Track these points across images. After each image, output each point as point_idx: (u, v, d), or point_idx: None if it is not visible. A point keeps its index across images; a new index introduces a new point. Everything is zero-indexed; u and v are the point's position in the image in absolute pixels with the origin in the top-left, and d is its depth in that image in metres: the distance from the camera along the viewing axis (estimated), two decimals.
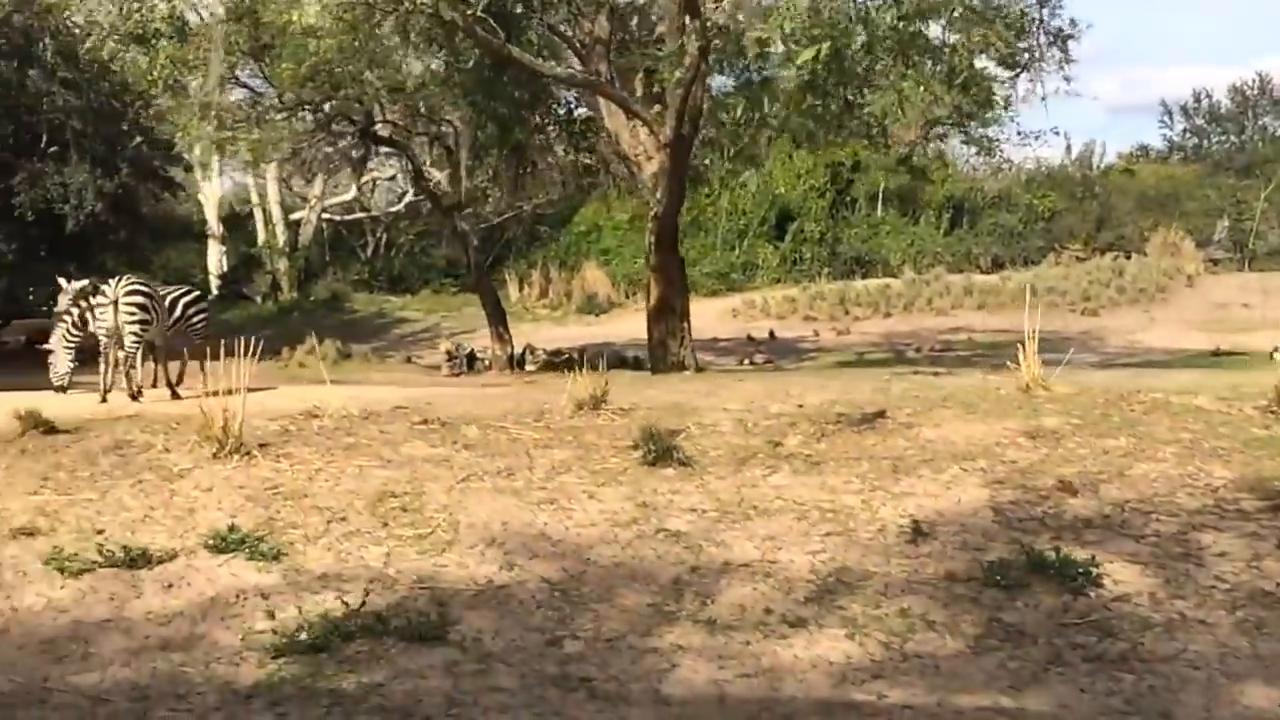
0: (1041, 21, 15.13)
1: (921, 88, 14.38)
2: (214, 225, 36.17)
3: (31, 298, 36.39)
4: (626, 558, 6.57)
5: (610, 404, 9.93)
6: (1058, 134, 35.98)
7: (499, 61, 14.22)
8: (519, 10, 13.92)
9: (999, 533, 6.64)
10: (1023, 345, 10.35)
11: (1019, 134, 24.74)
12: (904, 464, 7.90)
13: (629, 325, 34.81)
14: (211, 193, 35.53)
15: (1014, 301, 33.25)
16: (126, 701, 5.02)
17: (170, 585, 6.34)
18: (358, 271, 40.10)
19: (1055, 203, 41.05)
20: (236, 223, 39.49)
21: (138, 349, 12.99)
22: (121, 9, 11.13)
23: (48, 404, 12.51)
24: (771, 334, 30.53)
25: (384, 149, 23.33)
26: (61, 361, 14.21)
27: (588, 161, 25.25)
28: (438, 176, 29.88)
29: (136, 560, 6.53)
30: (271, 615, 5.81)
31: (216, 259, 36.90)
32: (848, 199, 39.78)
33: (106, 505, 7.54)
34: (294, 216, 37.90)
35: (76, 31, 24.30)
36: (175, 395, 13.46)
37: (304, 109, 19.87)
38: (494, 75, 15.60)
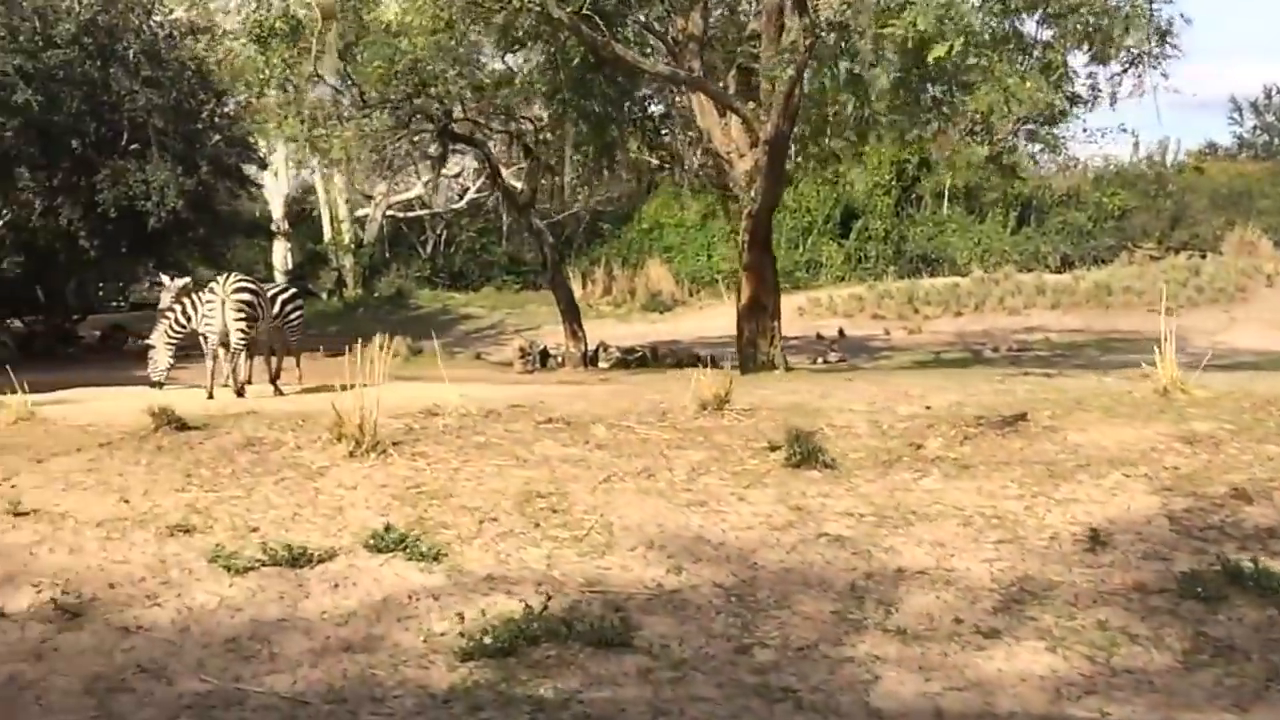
0: (1150, 16, 14.85)
1: (1029, 84, 14.14)
2: (279, 222, 36.41)
3: (102, 293, 37.00)
4: (794, 563, 6.44)
5: (733, 404, 9.81)
6: (1125, 130, 35.32)
7: (599, 59, 14.13)
8: (616, 7, 13.77)
9: (1179, 542, 6.45)
10: (1159, 346, 10.09)
11: (1084, 130, 24.43)
12: (1059, 469, 7.71)
13: (694, 323, 34.73)
14: (277, 189, 35.74)
15: (1088, 301, 32.87)
16: (324, 704, 4.96)
17: (336, 585, 6.28)
18: (419, 268, 40.24)
19: (1125, 201, 40.39)
20: (298, 219, 39.76)
21: (244, 346, 13.06)
22: (241, 11, 11.08)
23: (154, 400, 12.65)
24: (841, 332, 30.26)
25: (460, 146, 23.39)
26: (162, 358, 14.34)
27: (655, 159, 25.20)
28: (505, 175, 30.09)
29: (299, 559, 6.48)
30: (457, 618, 5.73)
31: (282, 255, 37.11)
32: (913, 196, 39.41)
33: (254, 503, 7.51)
34: (359, 214, 38.10)
35: (159, 31, 24.58)
36: (278, 391, 13.54)
37: (384, 107, 19.92)
38: (588, 73, 15.51)
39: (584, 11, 12.52)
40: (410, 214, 39.51)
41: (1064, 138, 20.81)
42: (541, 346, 25.14)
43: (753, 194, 15.33)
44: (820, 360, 25.20)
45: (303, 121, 16.79)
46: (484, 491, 7.66)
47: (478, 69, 19.58)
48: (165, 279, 15.58)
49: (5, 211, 25.30)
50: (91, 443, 8.96)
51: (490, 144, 23.08)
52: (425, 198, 38.29)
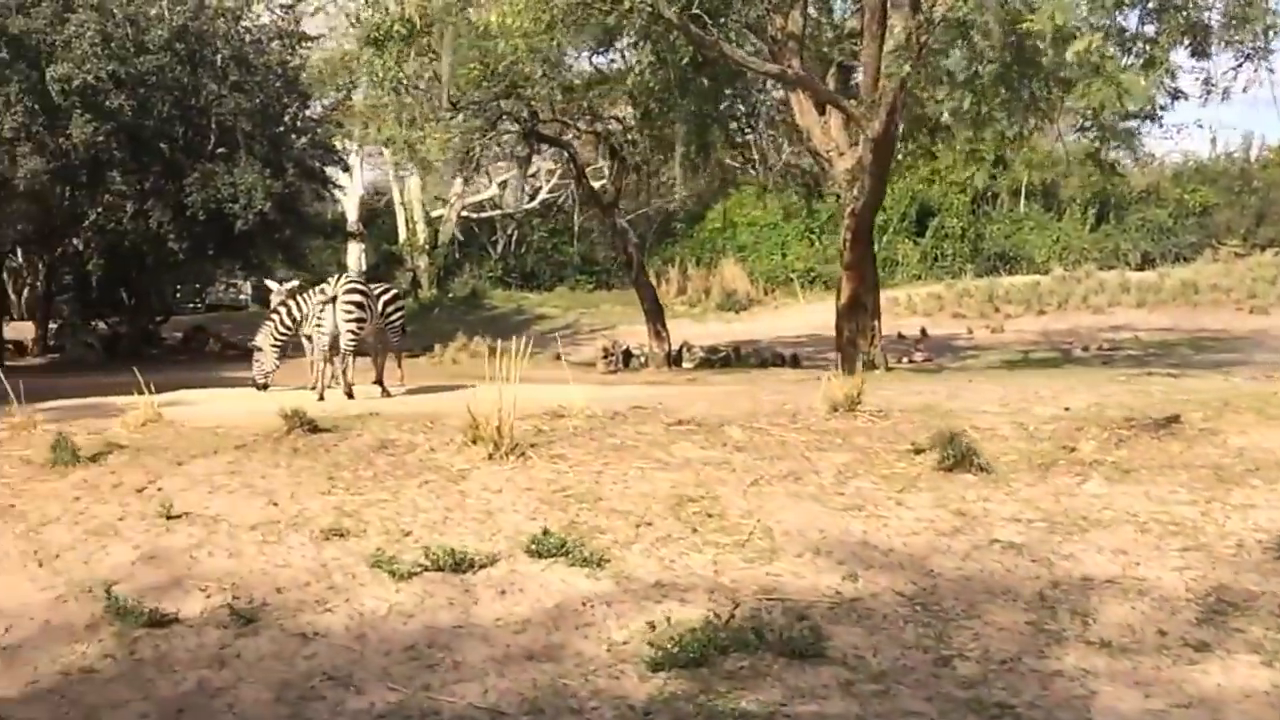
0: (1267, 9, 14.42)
1: (1142, 79, 13.78)
2: (354, 223, 36.68)
3: (178, 295, 37.50)
4: (973, 570, 6.22)
5: (864, 406, 9.59)
6: (1202, 127, 34.55)
7: (703, 59, 13.96)
8: (719, 6, 13.58)
9: None
10: None
11: (1160, 127, 23.86)
12: (1227, 474, 7.41)
13: (770, 323, 34.47)
14: (352, 191, 35.99)
15: (1175, 299, 32.15)
16: (521, 715, 4.83)
17: (503, 591, 6.16)
18: (490, 269, 40.37)
19: (1207, 197, 39.50)
20: (368, 221, 40.06)
21: (354, 348, 13.05)
22: (359, 15, 11.05)
23: (261, 402, 12.68)
24: (923, 331, 29.83)
25: (544, 147, 23.39)
26: (268, 360, 14.37)
27: (738, 158, 24.99)
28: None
29: (461, 564, 6.37)
30: (639, 626, 5.58)
31: (356, 257, 37.36)
32: (989, 194, 38.83)
33: (402, 506, 7.43)
34: (433, 214, 38.23)
35: (247, 36, 24.78)
36: (385, 393, 13.50)
37: (472, 109, 19.91)
38: (691, 73, 15.35)
39: (693, 11, 12.34)
40: (482, 215, 39.61)
41: (1142, 134, 20.43)
42: (624, 347, 25.04)
43: (855, 192, 15.11)
44: (905, 360, 24.79)
45: (402, 124, 16.75)
46: (632, 495, 7.51)
47: (567, 70, 19.53)
48: (273, 283, 15.63)
49: (91, 214, 25.68)
50: (226, 445, 8.93)
51: (574, 145, 23.06)
52: (498, 198, 38.39)
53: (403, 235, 37.77)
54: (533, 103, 20.32)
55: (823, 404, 9.61)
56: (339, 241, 35.45)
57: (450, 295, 36.39)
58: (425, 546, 6.55)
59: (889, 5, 14.16)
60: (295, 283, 15.70)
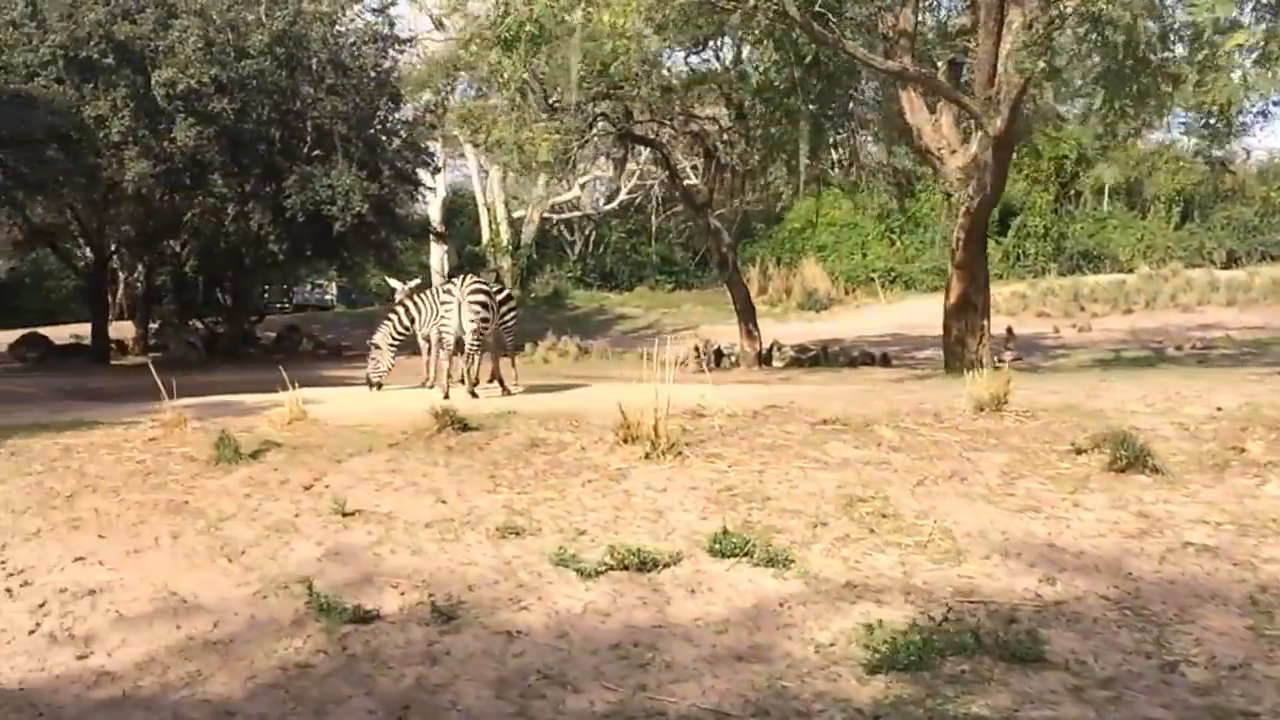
0: None
1: (1271, 74, 13.41)
2: (437, 224, 36.93)
3: (266, 295, 37.98)
4: (1173, 573, 6.04)
5: (1010, 406, 9.41)
6: None
7: (816, 59, 13.81)
8: (835, 5, 13.43)
9: None
10: None
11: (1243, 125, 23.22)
12: None
13: (853, 322, 34.22)
14: (436, 192, 36.25)
15: (1266, 298, 31.41)
16: (749, 717, 4.75)
17: (693, 591, 6.09)
18: (569, 269, 40.50)
19: None
20: (448, 221, 40.32)
21: (479, 348, 13.08)
22: (493, 16, 11.05)
23: (387, 401, 12.75)
24: (1010, 331, 29.30)
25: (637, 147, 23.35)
26: (384, 359, 14.46)
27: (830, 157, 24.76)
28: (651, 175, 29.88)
29: (646, 563, 6.32)
30: (844, 628, 5.48)
31: (439, 257, 37.62)
32: (1072, 193, 38.22)
33: (570, 505, 7.39)
34: (515, 215, 38.43)
35: (343, 40, 25.00)
36: (506, 391, 13.52)
37: (569, 110, 19.89)
38: (806, 73, 15.21)
39: (815, 9, 12.21)
40: (563, 216, 39.75)
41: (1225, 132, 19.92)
42: (715, 346, 24.94)
43: (970, 190, 14.86)
44: (995, 359, 24.38)
45: (513, 125, 16.78)
46: (800, 495, 7.41)
47: (665, 71, 19.48)
48: (395, 281, 15.74)
49: (193, 216, 26.07)
50: (379, 443, 8.97)
51: (667, 145, 22.99)
52: (578, 200, 38.51)
53: (485, 236, 37.96)
54: (629, 104, 20.31)
55: (968, 403, 9.44)
56: (422, 242, 35.71)
57: (533, 295, 36.55)
58: (609, 545, 6.49)
59: (1007, 1, 13.90)
60: (416, 281, 15.80)
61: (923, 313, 34.81)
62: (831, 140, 21.85)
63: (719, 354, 24.75)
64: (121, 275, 31.29)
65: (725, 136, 20.76)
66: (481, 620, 5.78)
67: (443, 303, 12.99)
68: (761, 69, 12.14)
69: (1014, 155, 34.53)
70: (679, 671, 5.22)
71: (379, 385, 14.49)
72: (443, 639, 5.56)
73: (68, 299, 38.89)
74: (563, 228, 41.49)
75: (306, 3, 24.62)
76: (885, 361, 24.86)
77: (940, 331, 31.92)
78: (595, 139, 21.72)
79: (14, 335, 28.87)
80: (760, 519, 7.04)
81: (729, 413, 9.75)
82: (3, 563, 6.62)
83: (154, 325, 29.78)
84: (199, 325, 30.30)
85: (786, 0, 11.91)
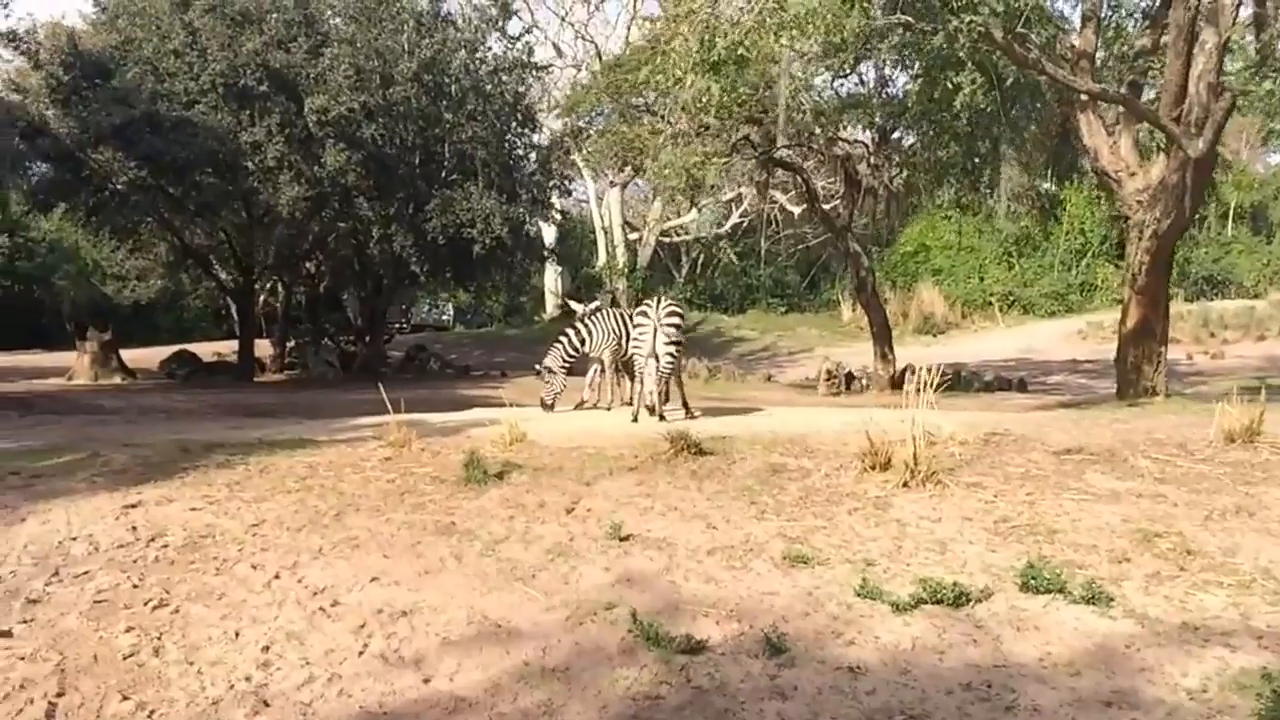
0: None
1: None
2: (552, 245, 37.07)
3: (385, 315, 38.30)
4: None
5: (1264, 436, 8.98)
6: None
7: (990, 83, 13.48)
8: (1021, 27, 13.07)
9: None
10: None
11: None
12: None
13: (971, 346, 33.61)
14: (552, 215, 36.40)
15: None
16: None
17: (1019, 628, 5.79)
18: (679, 291, 40.35)
19: None
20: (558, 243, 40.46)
21: (672, 370, 12.92)
22: (702, 40, 10.95)
23: (578, 422, 12.61)
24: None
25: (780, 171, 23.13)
26: (557, 381, 14.36)
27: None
28: (777, 198, 29.65)
29: (960, 598, 6.04)
30: (1207, 673, 5.15)
31: (553, 279, 37.74)
32: (1195, 217, 37.13)
33: (845, 535, 7.14)
34: (631, 238, 38.44)
35: (484, 67, 25.18)
36: (690, 414, 13.31)
37: (709, 134, 19.74)
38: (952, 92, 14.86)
39: (1017, 30, 11.90)
40: (677, 238, 39.67)
41: None
42: (847, 369, 24.58)
43: (1158, 213, 14.38)
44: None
45: (679, 151, 16.66)
46: (1084, 529, 7.08)
47: (819, 96, 19.27)
48: (575, 304, 15.67)
49: (335, 239, 26.40)
50: (616, 466, 8.83)
51: (807, 169, 22.76)
52: (695, 223, 38.41)
53: (602, 258, 38.00)
54: (772, 127, 20.11)
55: (1218, 435, 9.03)
56: (536, 264, 35.89)
57: None
58: (918, 578, 6.23)
59: (1199, 20, 13.45)
60: (596, 304, 15.71)
61: (1044, 337, 34.17)
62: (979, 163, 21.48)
63: (849, 377, 24.39)
64: (262, 295, 31.83)
65: (872, 159, 20.43)
66: (811, 654, 5.54)
67: (637, 325, 12.84)
68: (968, 92, 11.79)
69: None
70: (1049, 716, 4.93)
71: (550, 406, 14.39)
72: (782, 673, 5.34)
73: (199, 318, 39.82)
74: (668, 250, 41.38)
75: (450, 30, 24.88)
76: (1022, 387, 24.29)
77: (1064, 356, 31.23)
78: (738, 163, 21.51)
79: (151, 352, 29.53)
80: (1053, 553, 6.72)
81: (960, 439, 9.45)
82: (300, 580, 6.55)
83: (289, 344, 30.20)
84: (331, 344, 30.67)
85: (991, 22, 11.62)
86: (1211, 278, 35.99)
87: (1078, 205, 34.80)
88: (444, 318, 40.62)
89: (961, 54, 11.65)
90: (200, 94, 23.09)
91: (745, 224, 39.01)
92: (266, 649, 5.67)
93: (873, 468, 8.38)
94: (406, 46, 24.11)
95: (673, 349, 12.60)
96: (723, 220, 39.66)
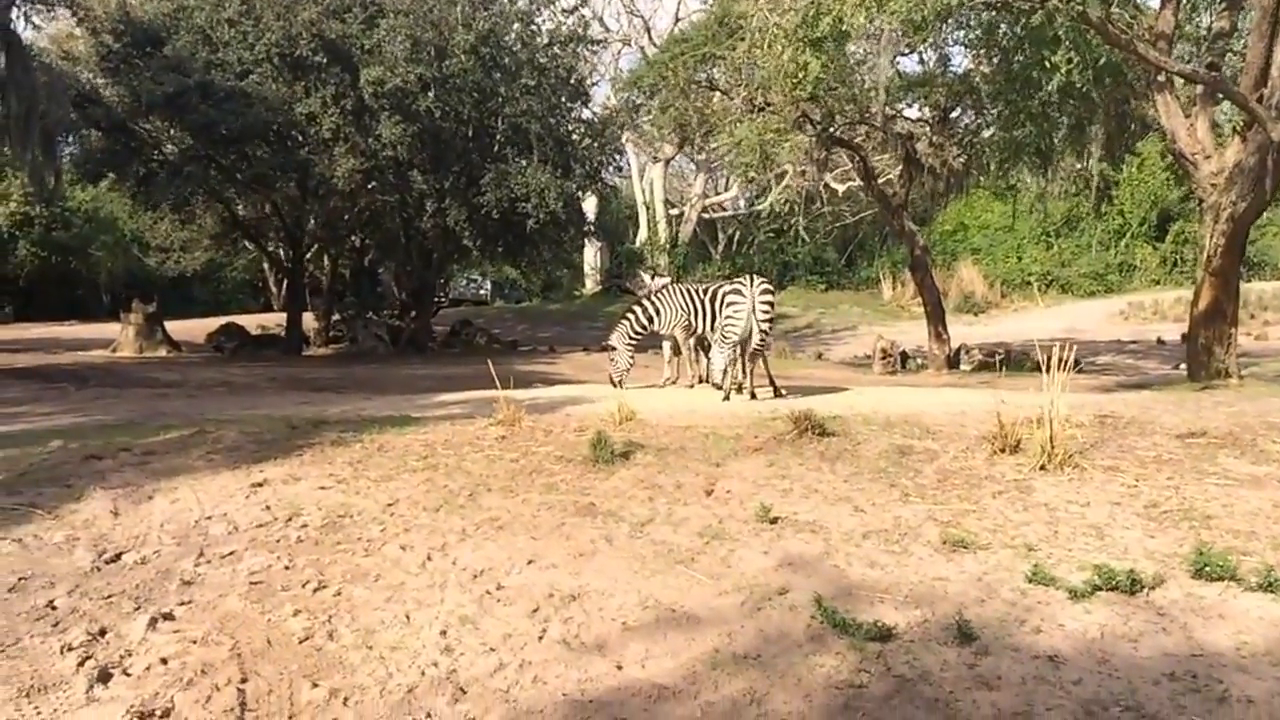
0: None
1: None
2: (593, 221, 36.87)
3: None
4: None
5: None
6: None
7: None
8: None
9: None
10: None
11: None
12: None
13: (1013, 325, 33.32)
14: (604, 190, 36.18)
15: None
16: None
17: (1205, 617, 5.65)
18: (716, 268, 40.14)
19: None
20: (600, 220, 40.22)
21: (766, 347, 12.78)
22: (805, 16, 10.74)
23: (671, 398, 12.48)
24: (1184, 337, 28.34)
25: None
26: (623, 358, 14.22)
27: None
28: (824, 178, 29.33)
29: (1135, 585, 5.90)
30: None
31: (593, 254, 37.54)
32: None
33: (996, 518, 7.00)
34: (671, 214, 38.22)
35: (539, 40, 24.91)
36: (778, 392, 13.16)
37: (769, 110, 19.48)
38: (1034, 73, 14.61)
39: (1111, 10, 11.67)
40: (716, 215, 39.43)
41: None
42: (901, 348, 24.39)
43: (1234, 196, 14.15)
44: (1181, 366, 23.48)
45: (755, 127, 16.42)
46: (1239, 514, 6.92)
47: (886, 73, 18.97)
48: (646, 277, 15.54)
49: (389, 212, 26.17)
50: (742, 447, 8.70)
51: (864, 148, 22.49)
52: (733, 200, 38.18)
53: (643, 234, 37.79)
54: (831, 105, 19.84)
55: None
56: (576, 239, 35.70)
57: None
58: (1088, 564, 6.09)
59: None
60: (667, 280, 15.56)
61: (1085, 317, 33.89)
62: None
63: (904, 355, 24.20)
64: (309, 268, 31.77)
65: (934, 139, 20.17)
66: (1001, 641, 5.40)
67: (730, 303, 12.67)
68: (1065, 70, 11.53)
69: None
70: (1263, 707, 4.79)
71: (620, 384, 14.27)
72: (980, 661, 5.20)
73: (236, 290, 39.74)
74: (705, 227, 41.12)
75: (505, 2, 24.63)
76: (1076, 366, 24.03)
77: (1108, 336, 30.95)
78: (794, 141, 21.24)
79: (190, 324, 29.47)
80: (1213, 540, 6.56)
81: (1075, 423, 9.27)
82: (453, 562, 6.44)
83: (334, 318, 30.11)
84: (375, 317, 30.56)
85: (1092, 0, 11.38)
86: (1248, 259, 35.63)
87: (1121, 186, 34.47)
88: (481, 292, 40.46)
89: (1060, 33, 11.41)
90: (254, 64, 22.90)
91: (784, 201, 38.69)
92: (444, 633, 5.55)
93: (1002, 450, 8.24)
94: (462, 18, 23.87)
95: (767, 326, 12.45)
96: (752, 200, 39.37)
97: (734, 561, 6.40)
